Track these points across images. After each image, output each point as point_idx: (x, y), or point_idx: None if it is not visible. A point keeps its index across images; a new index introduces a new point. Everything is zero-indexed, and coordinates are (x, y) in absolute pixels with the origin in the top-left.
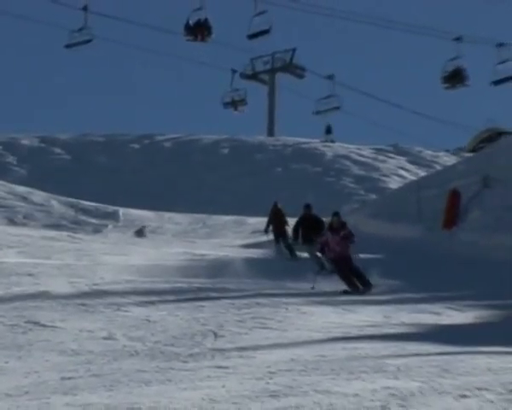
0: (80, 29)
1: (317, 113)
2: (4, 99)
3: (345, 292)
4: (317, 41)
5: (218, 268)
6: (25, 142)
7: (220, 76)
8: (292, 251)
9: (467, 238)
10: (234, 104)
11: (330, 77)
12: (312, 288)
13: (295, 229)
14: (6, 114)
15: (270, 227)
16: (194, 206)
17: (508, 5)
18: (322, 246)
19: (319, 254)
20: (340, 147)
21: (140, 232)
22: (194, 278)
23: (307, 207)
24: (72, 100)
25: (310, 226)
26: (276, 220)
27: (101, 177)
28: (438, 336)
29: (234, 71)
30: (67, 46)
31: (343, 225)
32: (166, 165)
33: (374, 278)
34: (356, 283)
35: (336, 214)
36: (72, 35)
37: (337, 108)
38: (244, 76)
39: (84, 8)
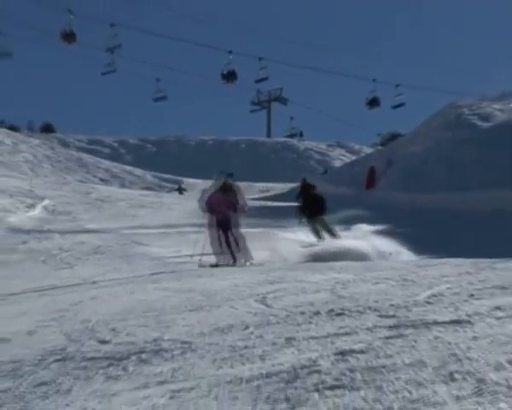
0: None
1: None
2: (117, 112)
3: (211, 266)
4: (297, 79)
5: None
6: (130, 141)
7: (241, 107)
8: (331, 230)
9: (379, 195)
10: (292, 136)
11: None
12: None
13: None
14: (118, 122)
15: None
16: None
17: (409, 55)
18: (209, 207)
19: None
20: (307, 143)
21: (180, 189)
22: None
23: (304, 180)
24: (157, 115)
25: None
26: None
27: (173, 160)
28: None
29: (291, 118)
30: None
31: (232, 187)
32: (207, 154)
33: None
34: (228, 254)
35: (231, 175)
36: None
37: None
38: (253, 103)
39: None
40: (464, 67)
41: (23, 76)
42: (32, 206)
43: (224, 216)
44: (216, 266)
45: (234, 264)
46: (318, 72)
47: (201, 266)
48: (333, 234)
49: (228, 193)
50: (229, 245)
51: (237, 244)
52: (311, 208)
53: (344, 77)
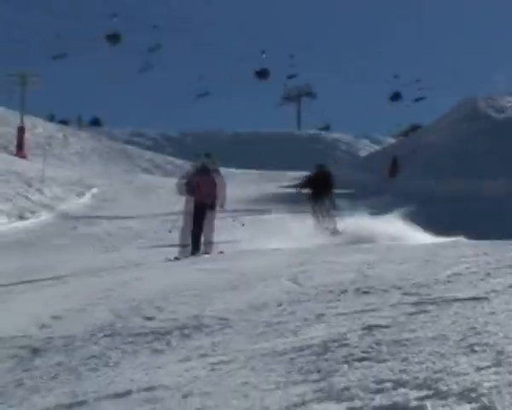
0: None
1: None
2: (159, 108)
3: (176, 259)
4: (325, 75)
5: (264, 199)
6: (172, 134)
7: (273, 102)
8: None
9: (401, 182)
10: (321, 128)
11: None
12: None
13: (304, 183)
14: (158, 118)
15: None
16: (259, 166)
17: (430, 51)
18: (191, 188)
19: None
20: (335, 135)
21: None
22: (251, 204)
23: (320, 166)
24: (196, 110)
25: (320, 183)
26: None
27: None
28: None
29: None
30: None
31: (215, 170)
32: (242, 146)
33: (352, 200)
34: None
35: (208, 156)
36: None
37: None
38: (284, 98)
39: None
40: (479, 64)
41: (74, 75)
42: (81, 194)
43: (203, 197)
44: (177, 258)
45: (196, 254)
46: (344, 68)
47: (168, 259)
48: (333, 223)
49: (208, 174)
50: (197, 235)
51: (206, 237)
52: (317, 183)
53: (369, 72)
